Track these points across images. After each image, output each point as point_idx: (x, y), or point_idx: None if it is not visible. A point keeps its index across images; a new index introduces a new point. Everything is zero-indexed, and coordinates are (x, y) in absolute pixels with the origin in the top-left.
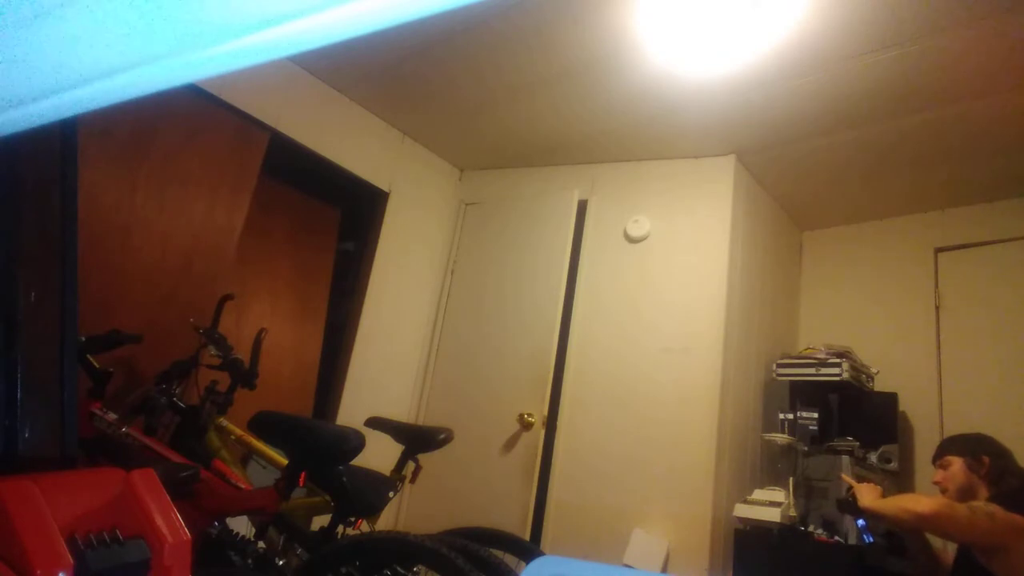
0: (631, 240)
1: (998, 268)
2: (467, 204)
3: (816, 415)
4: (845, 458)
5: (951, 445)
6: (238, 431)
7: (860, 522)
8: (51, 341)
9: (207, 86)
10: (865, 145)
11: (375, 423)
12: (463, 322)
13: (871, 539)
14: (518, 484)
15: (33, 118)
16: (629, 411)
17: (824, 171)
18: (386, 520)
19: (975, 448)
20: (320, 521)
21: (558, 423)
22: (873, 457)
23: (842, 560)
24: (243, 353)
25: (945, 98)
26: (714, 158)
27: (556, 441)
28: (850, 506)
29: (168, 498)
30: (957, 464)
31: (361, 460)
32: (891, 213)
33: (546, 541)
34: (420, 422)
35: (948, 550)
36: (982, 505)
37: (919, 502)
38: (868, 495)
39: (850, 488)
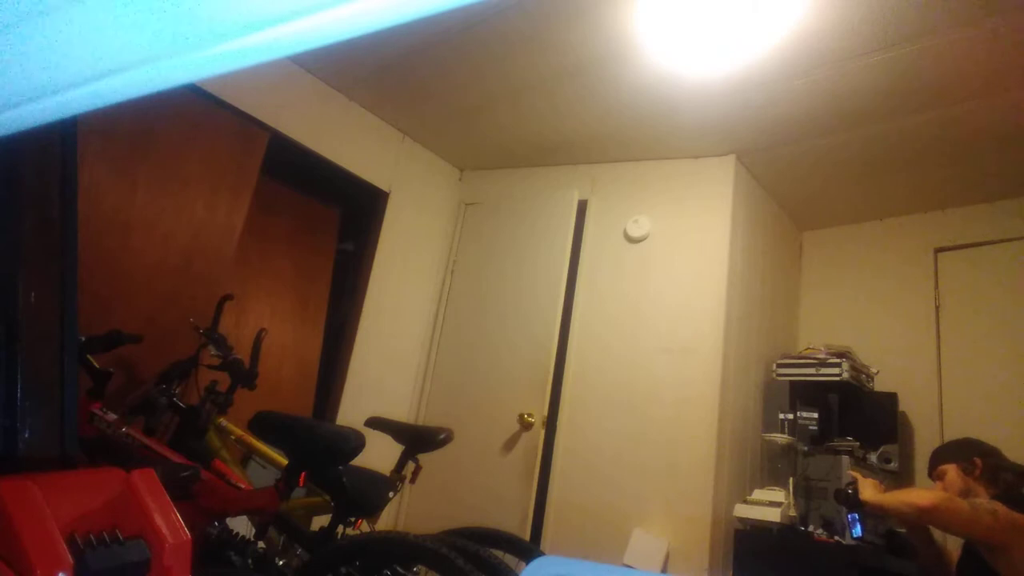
0: (631, 240)
1: (998, 268)
2: (467, 204)
3: (816, 415)
4: (845, 458)
5: (941, 455)
6: (238, 431)
7: (851, 515)
8: (51, 341)
9: (207, 86)
10: (865, 145)
11: (375, 423)
12: (463, 322)
13: (860, 533)
14: (518, 484)
15: (33, 118)
16: (629, 411)
17: (824, 171)
18: (386, 520)
19: (964, 452)
20: (320, 521)
21: (558, 423)
22: (873, 457)
23: (842, 560)
24: (243, 353)
25: (945, 98)
26: (714, 158)
27: (556, 441)
28: (848, 498)
29: (168, 498)
30: (952, 471)
31: (361, 460)
32: (891, 213)
33: (546, 541)
34: (420, 422)
35: (949, 548)
36: (985, 502)
37: (921, 495)
38: (870, 489)
39: (852, 481)
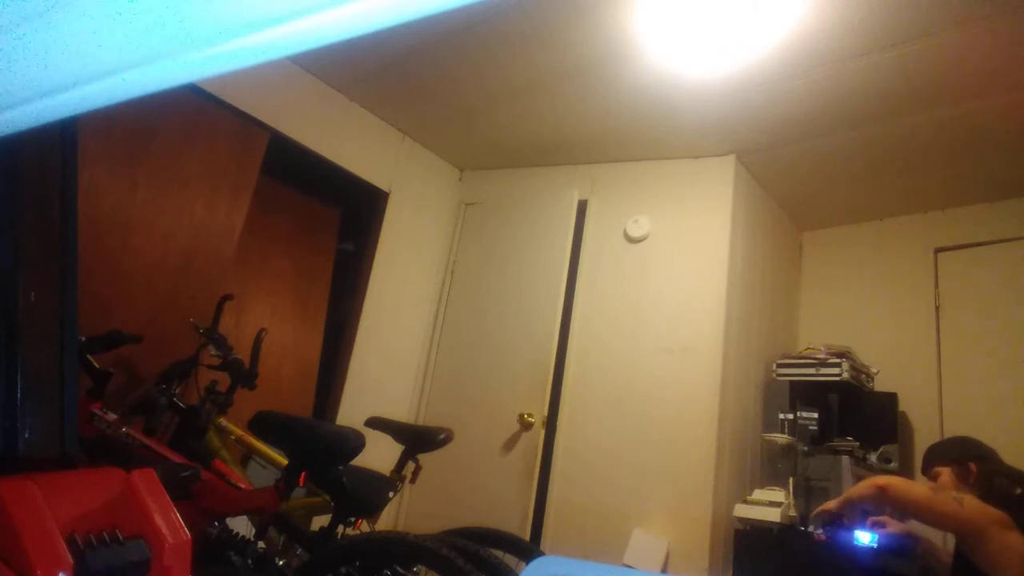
0: (631, 240)
1: (998, 268)
2: (467, 204)
3: (816, 415)
4: (845, 458)
5: (936, 455)
6: (238, 431)
7: (856, 530)
8: (51, 341)
9: (207, 86)
10: (865, 145)
11: (375, 423)
12: (463, 322)
13: (877, 537)
14: (518, 484)
15: (33, 118)
16: (629, 411)
17: (824, 171)
18: (386, 520)
19: (960, 455)
20: (320, 521)
21: (558, 423)
22: (873, 457)
23: (842, 560)
24: (243, 353)
25: (945, 98)
26: (714, 158)
27: (556, 441)
28: (829, 520)
29: (168, 498)
30: (946, 474)
31: (361, 460)
32: (891, 213)
33: (546, 541)
34: (420, 422)
35: (949, 549)
36: (953, 492)
37: (880, 476)
38: (829, 501)
39: (817, 514)
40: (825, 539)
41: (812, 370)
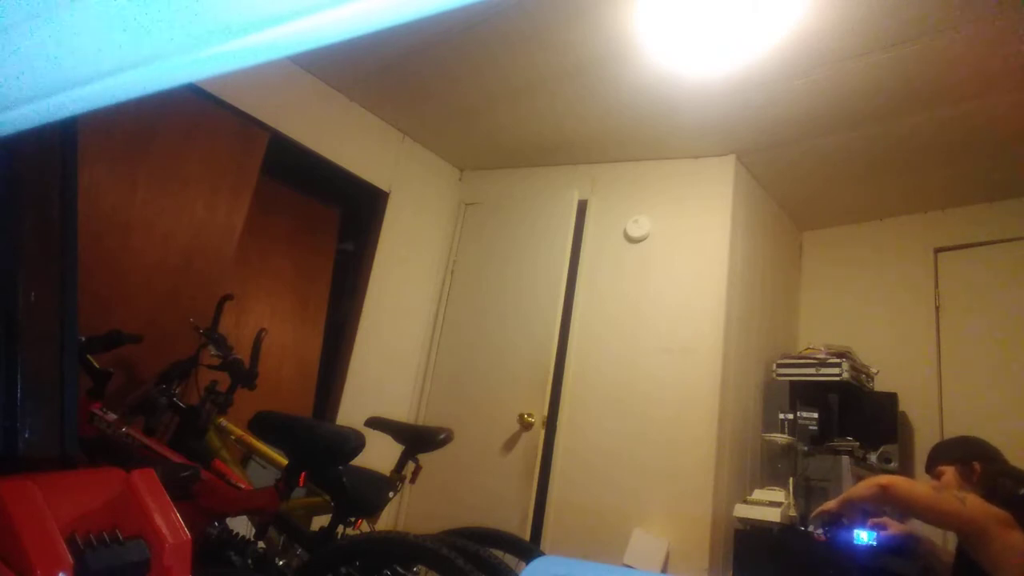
0: (631, 240)
1: (998, 268)
2: (467, 204)
3: (816, 415)
4: (845, 458)
5: (941, 453)
6: (238, 431)
7: (847, 528)
8: (51, 341)
9: (207, 86)
10: (865, 145)
11: (375, 423)
12: (463, 322)
13: (876, 535)
14: (518, 484)
15: (33, 118)
16: (629, 411)
17: (824, 171)
18: (386, 520)
19: (964, 454)
20: (320, 521)
21: (558, 423)
22: (873, 457)
23: (842, 560)
24: (243, 353)
25: (945, 98)
26: (714, 158)
27: (556, 441)
28: (828, 520)
29: (168, 498)
30: (949, 473)
31: (361, 460)
32: (891, 213)
33: (546, 541)
34: (420, 422)
35: (950, 549)
36: (955, 491)
37: (882, 476)
38: (828, 501)
39: (818, 514)
40: (825, 539)
41: (812, 370)
